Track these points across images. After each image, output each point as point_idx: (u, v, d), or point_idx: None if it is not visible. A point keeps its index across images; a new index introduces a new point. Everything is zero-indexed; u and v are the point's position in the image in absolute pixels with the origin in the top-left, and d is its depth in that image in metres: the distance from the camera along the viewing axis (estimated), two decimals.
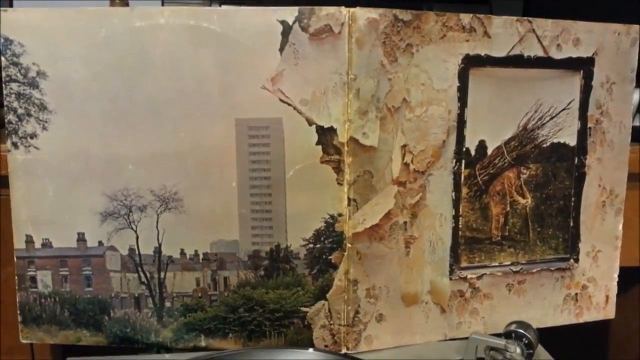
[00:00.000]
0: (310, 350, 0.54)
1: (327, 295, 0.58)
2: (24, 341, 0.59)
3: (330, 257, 0.57)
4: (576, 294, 0.66)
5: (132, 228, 0.57)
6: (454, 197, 0.60)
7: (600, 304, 0.68)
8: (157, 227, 0.57)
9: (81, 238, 0.57)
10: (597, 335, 0.77)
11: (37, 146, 0.56)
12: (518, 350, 0.50)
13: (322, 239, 0.57)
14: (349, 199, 0.56)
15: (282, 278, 0.58)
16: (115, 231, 0.57)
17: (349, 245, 0.57)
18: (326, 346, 0.59)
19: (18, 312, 0.58)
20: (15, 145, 0.56)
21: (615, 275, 0.68)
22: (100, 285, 0.58)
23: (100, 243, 0.57)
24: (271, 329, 0.58)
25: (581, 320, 0.67)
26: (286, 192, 0.56)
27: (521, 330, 0.54)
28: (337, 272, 0.57)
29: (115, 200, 0.56)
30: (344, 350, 0.58)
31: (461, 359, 0.56)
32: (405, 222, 0.59)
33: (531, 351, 0.53)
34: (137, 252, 0.57)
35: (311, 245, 0.57)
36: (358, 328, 0.59)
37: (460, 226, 0.61)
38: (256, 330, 0.58)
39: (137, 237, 0.57)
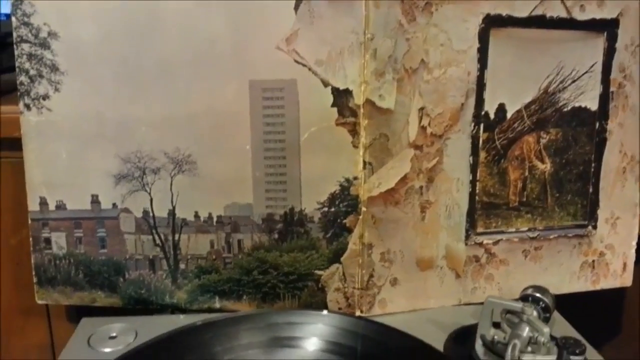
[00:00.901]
0: (325, 312, 0.54)
1: (342, 259, 0.58)
2: (39, 302, 0.59)
3: (344, 221, 0.57)
4: (593, 261, 0.66)
5: (146, 190, 0.57)
6: (471, 162, 0.59)
7: (617, 271, 0.67)
8: (171, 189, 0.56)
9: (95, 200, 0.57)
10: (612, 303, 0.77)
11: (49, 108, 0.55)
12: (535, 313, 0.50)
13: (336, 202, 0.56)
14: (364, 162, 0.55)
15: (297, 241, 0.57)
16: (129, 193, 0.57)
17: (364, 209, 0.56)
18: (340, 309, 0.59)
19: (33, 273, 0.58)
20: (27, 106, 0.56)
21: (634, 243, 0.67)
22: (114, 247, 0.58)
23: (114, 205, 0.57)
24: (285, 292, 0.58)
25: (597, 288, 0.66)
26: (301, 155, 0.56)
27: (538, 294, 0.53)
28: (351, 236, 0.57)
29: (129, 162, 0.56)
30: (357, 313, 0.58)
31: (476, 323, 0.56)
32: (421, 187, 0.58)
33: (548, 315, 0.52)
34: (151, 214, 0.57)
35: (326, 209, 0.57)
36: (372, 291, 0.59)
37: (477, 191, 0.60)
38: (270, 293, 0.58)
39: (151, 200, 0.57)
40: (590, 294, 0.66)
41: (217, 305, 0.59)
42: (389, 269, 0.59)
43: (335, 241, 0.57)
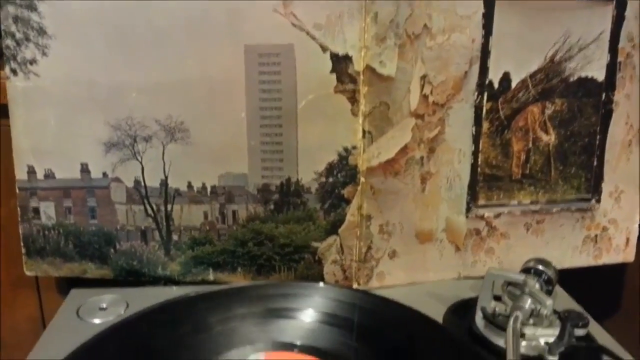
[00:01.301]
0: (321, 284, 0.52)
1: (339, 231, 0.56)
2: (28, 273, 0.58)
3: (342, 192, 0.55)
4: (596, 235, 0.64)
5: (137, 159, 0.55)
6: (474, 132, 0.57)
7: (620, 246, 0.65)
8: (163, 158, 0.54)
9: (85, 169, 0.55)
10: (612, 280, 0.76)
11: (37, 73, 0.53)
12: (537, 285, 0.49)
13: (334, 172, 0.54)
14: (363, 131, 0.53)
15: (293, 212, 0.56)
16: (120, 162, 0.55)
17: (362, 179, 0.55)
18: (337, 282, 0.57)
19: (21, 244, 0.57)
20: (14, 71, 0.53)
21: (637, 218, 0.65)
22: (105, 217, 0.57)
23: (104, 174, 0.55)
24: (281, 264, 0.57)
25: (599, 263, 0.65)
26: (298, 124, 0.54)
27: (541, 267, 0.52)
28: (349, 207, 0.55)
29: (119, 129, 0.54)
30: (355, 286, 0.57)
31: (476, 296, 0.54)
32: (422, 157, 0.56)
33: (550, 288, 0.51)
34: (142, 184, 0.55)
35: (323, 179, 0.55)
36: (370, 264, 0.57)
37: (479, 163, 0.58)
38: (265, 265, 0.57)
39: (143, 169, 0.55)
40: (591, 269, 0.65)
41: (211, 277, 0.58)
42: (387, 242, 0.57)
43: (332, 212, 0.56)
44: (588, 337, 0.49)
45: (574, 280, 0.60)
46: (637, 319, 0.72)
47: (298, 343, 0.46)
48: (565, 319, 0.47)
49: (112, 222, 0.57)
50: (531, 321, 0.48)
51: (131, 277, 0.58)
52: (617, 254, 0.66)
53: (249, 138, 0.54)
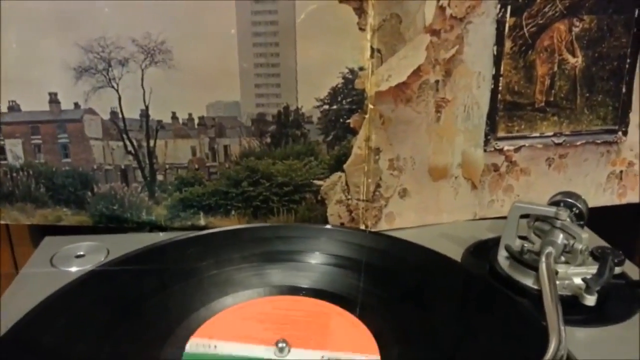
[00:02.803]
0: (329, 226, 0.46)
1: (345, 166, 0.50)
2: None
3: (348, 121, 0.49)
4: (621, 171, 0.59)
5: (112, 86, 0.48)
6: (495, 52, 0.51)
7: None
8: (142, 85, 0.48)
9: (53, 99, 0.48)
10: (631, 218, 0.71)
11: None
12: (568, 219, 0.43)
13: (339, 98, 0.48)
14: (372, 48, 0.47)
15: (292, 146, 0.50)
16: (93, 90, 0.48)
17: (370, 106, 0.48)
18: (342, 224, 0.52)
19: None
20: None
21: None
22: (79, 155, 0.50)
23: (76, 105, 0.48)
24: (279, 205, 0.51)
25: (624, 202, 0.60)
26: (296, 41, 0.47)
27: (570, 200, 0.46)
28: (356, 139, 0.49)
29: (91, 52, 0.47)
30: (362, 228, 0.52)
31: (496, 236, 0.49)
32: (437, 81, 0.50)
33: (582, 223, 0.46)
34: (120, 115, 0.49)
35: (326, 107, 0.48)
36: (379, 204, 0.51)
37: (500, 88, 0.52)
38: (262, 207, 0.51)
39: (120, 98, 0.48)
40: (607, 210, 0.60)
41: (202, 222, 0.52)
42: (398, 178, 0.51)
43: (337, 145, 0.50)
44: (623, 276, 0.44)
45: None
46: None
47: (304, 286, 0.40)
48: (603, 255, 0.42)
49: (87, 161, 0.50)
50: (563, 259, 0.43)
51: (112, 223, 0.52)
52: None
53: (241, 60, 0.47)
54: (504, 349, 0.35)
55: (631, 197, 0.61)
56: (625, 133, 0.58)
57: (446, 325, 0.38)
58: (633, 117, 0.57)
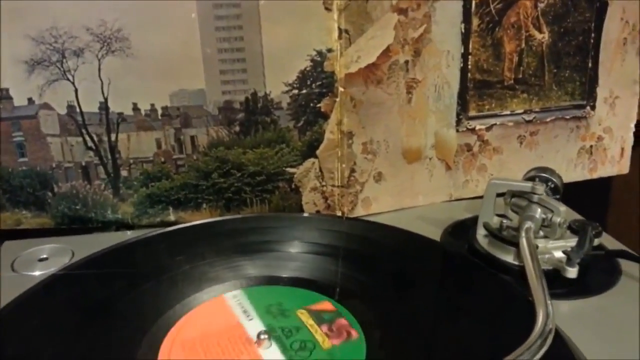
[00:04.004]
0: (305, 214, 0.45)
1: (317, 152, 0.49)
2: None
3: (319, 105, 0.47)
4: (591, 146, 0.59)
5: (68, 79, 0.45)
6: (463, 30, 0.50)
7: (615, 157, 0.61)
8: (99, 76, 0.45)
9: (5, 95, 0.45)
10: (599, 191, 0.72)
11: None
12: (545, 193, 0.43)
13: (308, 82, 0.47)
14: (339, 29, 0.45)
15: (262, 134, 0.48)
16: (48, 84, 0.45)
17: (341, 89, 0.47)
18: (318, 211, 0.50)
19: None
20: None
21: (632, 125, 0.61)
22: (36, 154, 0.47)
23: (30, 100, 0.46)
24: (252, 196, 0.49)
25: (595, 176, 0.61)
26: (261, 24, 0.45)
27: (545, 175, 0.46)
28: (328, 124, 0.48)
29: (43, 43, 0.44)
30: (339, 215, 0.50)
31: (473, 216, 0.49)
32: (406, 62, 0.49)
33: (557, 196, 0.45)
34: (78, 109, 0.46)
35: (295, 91, 0.47)
36: (354, 189, 0.50)
37: (469, 67, 0.51)
38: (235, 199, 0.49)
39: (76, 91, 0.45)
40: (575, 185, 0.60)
41: (172, 217, 0.50)
42: (372, 162, 0.50)
43: (308, 131, 0.48)
44: (600, 247, 0.44)
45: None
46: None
47: (284, 276, 0.39)
48: (583, 226, 0.41)
49: (45, 159, 0.47)
50: (541, 233, 0.43)
51: (76, 224, 0.49)
52: (612, 165, 0.61)
53: (203, 45, 0.45)
54: (491, 326, 0.34)
55: (602, 172, 0.61)
56: (593, 107, 0.58)
57: (432, 305, 0.37)
58: (600, 91, 0.58)
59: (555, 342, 0.30)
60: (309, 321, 0.34)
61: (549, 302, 0.33)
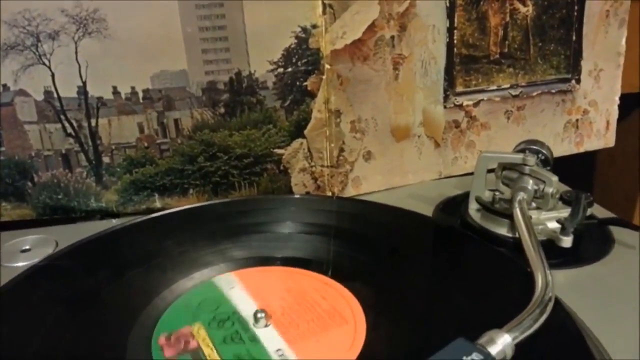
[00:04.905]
0: (297, 195, 0.44)
1: (305, 132, 0.48)
2: None
3: (305, 84, 0.46)
4: (577, 120, 0.59)
5: (44, 63, 0.43)
6: (447, 4, 0.49)
7: (600, 130, 0.61)
8: (77, 59, 0.43)
9: None
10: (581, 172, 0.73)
11: None
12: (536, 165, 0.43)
13: (293, 60, 0.46)
14: (323, 4, 0.44)
15: (248, 115, 0.47)
16: (23, 69, 0.43)
17: (327, 66, 0.46)
18: (308, 193, 0.49)
19: None
20: None
21: (617, 98, 0.61)
22: (14, 142, 0.45)
23: (5, 87, 0.44)
24: (240, 179, 0.48)
25: (581, 150, 0.61)
26: (243, 0, 0.44)
27: (535, 147, 0.46)
28: (315, 102, 0.47)
29: (16, 26, 0.42)
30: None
31: (464, 192, 0.48)
32: (392, 37, 0.48)
33: (548, 168, 0.45)
34: (55, 95, 0.44)
35: (281, 70, 0.46)
36: (344, 169, 0.50)
37: (455, 41, 0.51)
38: (222, 183, 0.48)
39: (53, 75, 0.44)
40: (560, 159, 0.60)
41: (158, 204, 0.48)
42: (361, 141, 0.50)
43: (295, 110, 0.47)
44: (592, 217, 0.44)
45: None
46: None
47: (278, 256, 0.38)
48: (576, 195, 0.41)
49: (23, 148, 0.46)
50: (534, 204, 0.43)
51: (58, 214, 0.47)
52: (598, 139, 0.61)
53: (184, 24, 0.44)
54: (488, 298, 0.34)
55: (588, 145, 0.61)
56: (578, 81, 0.58)
57: (430, 281, 0.37)
58: (585, 64, 0.58)
59: (555, 309, 0.30)
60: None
61: (547, 268, 0.32)
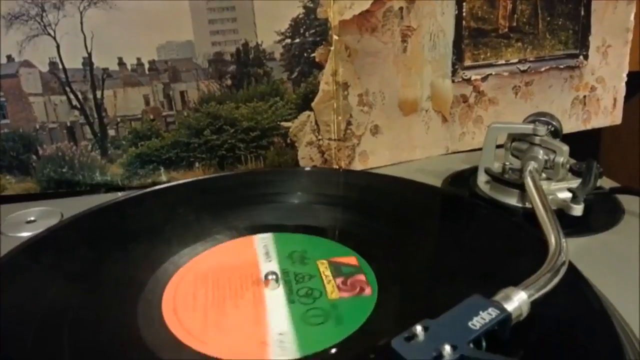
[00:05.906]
0: (308, 168, 0.44)
1: (313, 104, 0.47)
2: None
3: (313, 55, 0.46)
4: (584, 96, 0.59)
5: (49, 33, 0.43)
6: None
7: (607, 108, 0.61)
8: (82, 29, 0.43)
9: None
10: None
11: None
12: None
13: (301, 30, 0.45)
14: None
15: (255, 87, 0.46)
16: (28, 40, 0.43)
17: (335, 37, 0.45)
18: (315, 167, 0.49)
19: None
20: None
21: (624, 75, 0.60)
22: (18, 114, 0.45)
23: (9, 58, 0.43)
24: (247, 152, 0.48)
25: (589, 127, 0.60)
26: None
27: (545, 119, 0.45)
28: (322, 74, 0.46)
29: None
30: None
31: (472, 166, 0.48)
32: (401, 8, 0.47)
33: (558, 139, 0.45)
34: (60, 66, 0.44)
35: (288, 41, 0.45)
36: (351, 143, 0.49)
37: (464, 14, 0.50)
38: (228, 156, 0.48)
39: (58, 46, 0.43)
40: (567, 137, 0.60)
41: (163, 177, 0.48)
42: (368, 115, 0.49)
43: (303, 82, 0.47)
44: (601, 188, 0.44)
45: None
46: None
47: (289, 224, 0.38)
48: (587, 163, 0.41)
49: (28, 120, 0.45)
50: (544, 175, 0.42)
51: (63, 188, 0.47)
52: (605, 116, 0.61)
53: None
54: (500, 265, 0.33)
55: (595, 122, 0.61)
56: (586, 57, 0.58)
57: (444, 249, 0.36)
58: (593, 40, 0.57)
59: (568, 274, 0.30)
60: (325, 271, 0.33)
61: (560, 230, 0.32)
